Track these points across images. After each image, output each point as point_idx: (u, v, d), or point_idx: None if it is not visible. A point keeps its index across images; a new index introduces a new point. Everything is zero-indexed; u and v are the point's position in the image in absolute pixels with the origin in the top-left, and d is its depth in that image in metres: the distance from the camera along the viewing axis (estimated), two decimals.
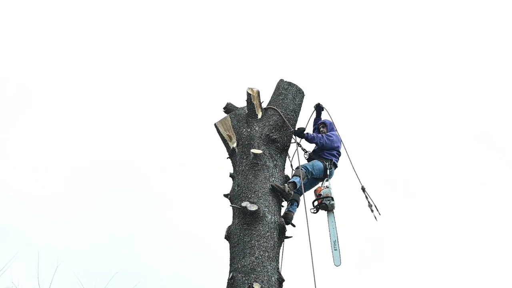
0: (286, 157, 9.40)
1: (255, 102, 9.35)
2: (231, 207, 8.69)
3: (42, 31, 23.97)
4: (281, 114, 9.31)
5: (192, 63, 23.89)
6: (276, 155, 9.08)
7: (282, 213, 8.91)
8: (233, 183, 8.94)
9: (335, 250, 9.07)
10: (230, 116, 9.50)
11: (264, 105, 9.50)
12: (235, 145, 9.25)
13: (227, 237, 8.50)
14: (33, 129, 22.48)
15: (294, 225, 9.08)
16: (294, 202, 9.26)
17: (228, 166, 9.32)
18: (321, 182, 9.59)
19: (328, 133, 9.79)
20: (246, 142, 9.10)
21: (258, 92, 9.40)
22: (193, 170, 19.54)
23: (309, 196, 9.48)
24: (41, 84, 23.50)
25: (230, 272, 8.10)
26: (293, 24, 24.50)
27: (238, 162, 9.04)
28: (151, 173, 21.30)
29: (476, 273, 19.19)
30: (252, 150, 8.86)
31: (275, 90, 9.76)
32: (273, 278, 8.00)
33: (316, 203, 9.38)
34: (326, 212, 9.41)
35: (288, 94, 9.59)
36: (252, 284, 7.74)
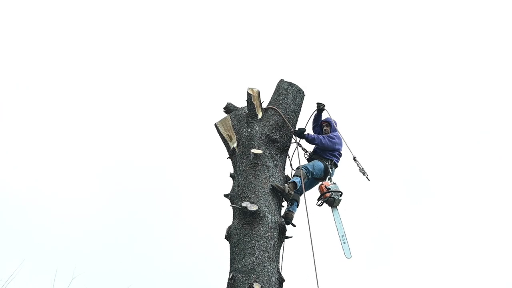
0: (286, 157, 9.41)
1: (255, 102, 9.35)
2: (231, 207, 8.70)
3: (55, 32, 23.97)
4: (281, 114, 9.31)
5: (192, 63, 23.90)
6: (276, 155, 9.08)
7: (282, 213, 8.92)
8: (233, 183, 8.94)
9: (344, 243, 9.11)
10: (230, 116, 9.50)
11: (264, 105, 9.50)
12: (235, 145, 9.25)
13: (227, 237, 8.50)
14: (41, 132, 22.52)
15: (294, 225, 9.08)
16: (294, 202, 9.26)
17: (228, 166, 9.34)
18: (324, 180, 9.59)
19: (330, 134, 9.76)
20: (246, 142, 9.10)
21: (258, 92, 9.41)
22: (193, 170, 19.55)
23: (309, 196, 9.48)
24: (51, 85, 23.52)
25: (230, 272, 8.11)
26: (293, 24, 24.51)
27: (238, 162, 9.04)
28: (151, 173, 21.31)
29: (482, 273, 19.24)
30: (252, 150, 8.87)
31: (275, 90, 9.76)
32: (273, 278, 8.00)
33: (323, 197, 9.38)
34: (331, 208, 9.43)
35: (289, 94, 9.59)
36: (252, 284, 7.74)
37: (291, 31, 24.07)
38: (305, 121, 9.96)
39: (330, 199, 9.38)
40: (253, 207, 8.29)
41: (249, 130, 9.21)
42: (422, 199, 21.64)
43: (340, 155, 9.77)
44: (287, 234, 8.65)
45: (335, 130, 9.87)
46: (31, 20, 24.16)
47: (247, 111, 9.43)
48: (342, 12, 24.83)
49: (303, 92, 9.75)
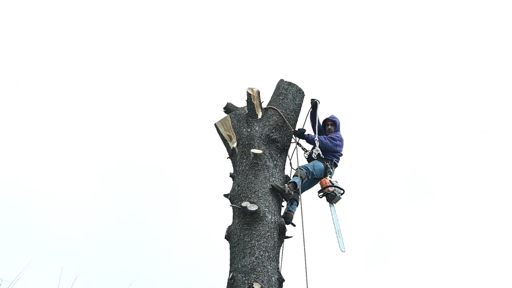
0: (286, 157, 9.40)
1: (255, 102, 9.35)
2: (231, 207, 8.70)
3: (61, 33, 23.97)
4: (281, 114, 9.31)
5: (192, 63, 23.90)
6: (276, 155, 9.08)
7: (282, 213, 8.92)
8: (233, 183, 8.94)
9: (339, 237, 9.15)
10: (230, 116, 9.50)
11: (264, 105, 9.50)
12: (235, 145, 9.25)
13: (227, 237, 8.50)
14: (41, 132, 22.52)
15: (294, 225, 9.07)
16: (294, 202, 9.25)
17: (228, 166, 9.34)
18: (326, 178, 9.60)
19: (332, 135, 9.69)
20: (246, 142, 9.10)
21: (258, 92, 9.41)
22: (193, 170, 19.55)
23: (309, 196, 9.49)
24: (51, 85, 23.52)
25: (230, 272, 8.11)
26: (293, 24, 24.51)
27: (238, 162, 9.04)
28: (151, 173, 21.31)
29: (482, 272, 19.25)
30: (252, 150, 8.87)
31: (275, 90, 9.76)
32: (273, 278, 8.00)
33: (325, 190, 9.39)
34: (329, 203, 9.45)
35: (288, 94, 9.59)
36: (252, 284, 7.74)
37: (291, 31, 24.09)
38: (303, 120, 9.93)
39: (332, 194, 9.39)
40: (253, 207, 8.29)
41: (249, 130, 9.22)
42: (422, 199, 21.67)
43: (341, 155, 9.76)
44: (287, 234, 8.65)
45: (339, 129, 9.84)
46: (31, 20, 24.19)
47: (247, 111, 9.43)
48: (341, 12, 24.85)
49: (303, 92, 9.75)
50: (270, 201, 8.57)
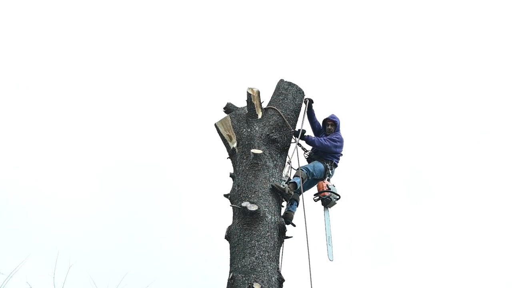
0: (286, 157, 9.40)
1: (255, 102, 9.35)
2: (231, 207, 8.70)
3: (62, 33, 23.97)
4: (281, 114, 9.31)
5: (192, 63, 23.90)
6: (276, 155, 9.08)
7: (282, 213, 8.92)
8: (233, 183, 8.94)
9: (329, 245, 9.16)
10: (230, 116, 9.50)
11: (264, 105, 9.50)
12: (235, 145, 9.25)
13: (227, 237, 8.50)
14: (44, 129, 22.52)
15: (294, 225, 9.08)
16: (294, 202, 9.25)
17: (228, 166, 9.33)
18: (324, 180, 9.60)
19: (333, 136, 9.66)
20: (246, 142, 9.10)
21: (258, 92, 9.40)
22: (193, 170, 19.56)
23: (308, 197, 9.49)
24: (51, 85, 23.53)
25: (230, 272, 8.11)
26: (293, 24, 24.51)
27: (238, 162, 9.04)
28: (151, 173, 21.32)
29: (482, 272, 19.26)
30: (252, 150, 8.87)
31: (275, 90, 9.76)
32: (273, 278, 8.00)
33: (321, 194, 9.41)
34: (323, 207, 9.47)
35: (288, 94, 9.59)
36: (252, 284, 7.74)
37: (291, 31, 24.09)
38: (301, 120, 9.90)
39: (327, 199, 9.41)
40: (253, 207, 8.29)
41: (249, 130, 9.21)
42: (422, 199, 21.68)
43: (341, 155, 9.76)
44: (287, 234, 8.65)
45: (339, 130, 9.81)
46: (31, 20, 24.19)
47: (247, 111, 9.43)
48: (341, 12, 24.85)
49: (303, 92, 9.75)
50: (270, 201, 8.57)
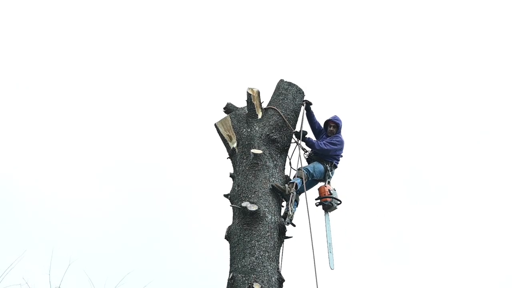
0: (286, 157, 9.41)
1: (255, 102, 9.35)
2: (231, 207, 8.70)
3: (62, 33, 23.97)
4: (281, 114, 9.31)
5: (192, 63, 23.89)
6: (276, 155, 9.08)
7: (282, 213, 8.92)
8: (233, 183, 8.94)
9: (330, 253, 9.11)
10: (230, 116, 9.50)
11: (264, 105, 9.50)
12: (235, 145, 9.25)
13: (227, 237, 8.51)
14: (41, 132, 22.52)
15: (294, 225, 9.07)
16: (294, 202, 9.24)
17: (228, 166, 9.34)
18: (324, 183, 9.58)
19: (333, 139, 9.62)
20: (246, 142, 9.10)
21: (258, 92, 9.41)
22: (193, 170, 19.57)
23: (309, 197, 9.48)
24: (51, 85, 23.53)
25: (230, 272, 8.11)
26: (293, 24, 24.50)
27: (238, 162, 9.05)
28: (150, 173, 21.32)
29: (482, 272, 19.29)
30: (252, 150, 8.87)
31: (275, 90, 9.76)
32: (273, 278, 8.01)
33: (322, 199, 9.39)
34: (324, 212, 9.45)
35: (288, 94, 9.59)
36: (252, 284, 7.75)
37: (291, 31, 24.08)
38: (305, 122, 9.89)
39: (329, 204, 9.39)
40: (253, 207, 8.30)
41: (249, 130, 9.22)
42: (425, 199, 21.70)
43: (341, 157, 9.75)
44: (287, 234, 8.65)
45: (340, 131, 9.78)
46: (31, 20, 24.19)
47: (247, 111, 9.43)
48: (341, 12, 24.85)
49: (303, 92, 9.75)
50: (270, 201, 8.58)
